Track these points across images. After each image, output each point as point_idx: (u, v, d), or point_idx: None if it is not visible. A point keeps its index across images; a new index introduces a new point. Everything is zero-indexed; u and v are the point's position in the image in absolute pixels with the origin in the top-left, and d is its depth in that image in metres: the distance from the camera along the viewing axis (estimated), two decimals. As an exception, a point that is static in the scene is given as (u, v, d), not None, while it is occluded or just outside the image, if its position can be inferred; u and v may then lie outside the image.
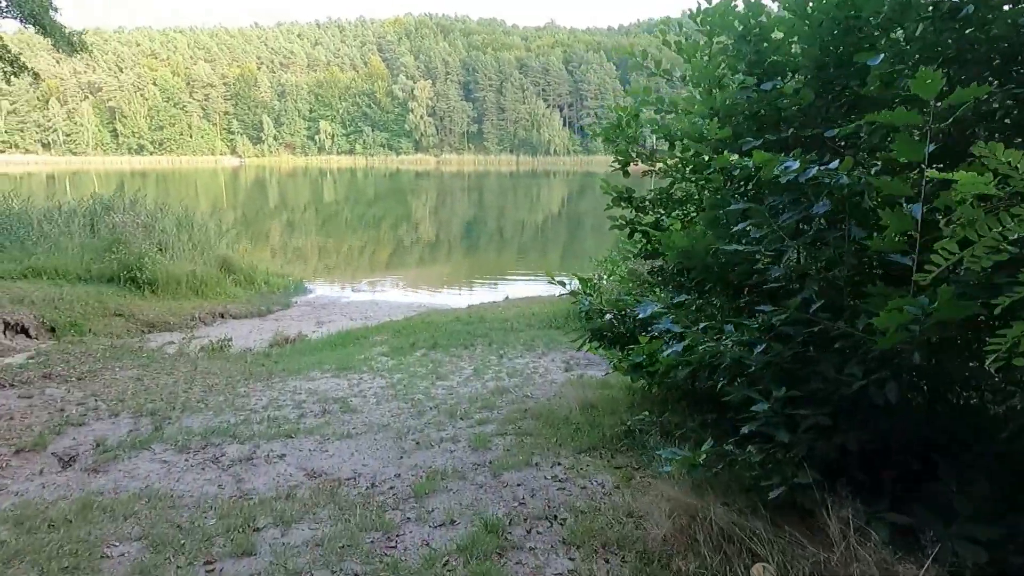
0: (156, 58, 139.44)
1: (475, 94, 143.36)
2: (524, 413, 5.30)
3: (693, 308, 4.24)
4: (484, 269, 22.57)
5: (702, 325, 3.11)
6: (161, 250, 16.14)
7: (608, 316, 5.44)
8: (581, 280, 5.39)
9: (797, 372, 2.98)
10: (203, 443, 4.85)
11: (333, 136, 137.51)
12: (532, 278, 20.43)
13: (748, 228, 3.34)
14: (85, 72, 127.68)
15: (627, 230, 5.67)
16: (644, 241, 5.61)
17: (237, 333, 12.80)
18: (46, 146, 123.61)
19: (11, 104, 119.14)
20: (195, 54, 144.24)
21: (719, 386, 3.20)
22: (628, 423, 4.49)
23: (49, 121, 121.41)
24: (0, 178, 60.88)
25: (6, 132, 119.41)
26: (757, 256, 3.48)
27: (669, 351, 3.05)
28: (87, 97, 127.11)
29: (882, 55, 3.06)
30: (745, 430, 2.93)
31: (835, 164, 2.88)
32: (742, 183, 4.02)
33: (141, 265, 14.50)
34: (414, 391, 6.63)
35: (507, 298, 15.99)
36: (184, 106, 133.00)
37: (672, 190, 5.31)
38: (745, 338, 3.08)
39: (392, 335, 10.51)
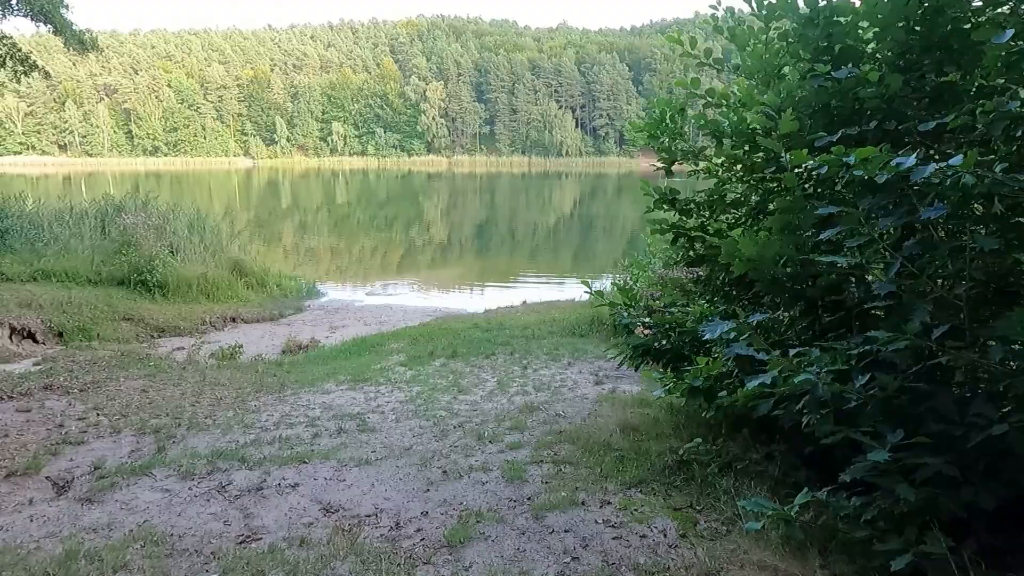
0: (171, 60, 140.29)
1: (487, 95, 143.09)
2: (559, 436, 4.83)
3: (754, 325, 3.76)
4: (498, 271, 22.13)
5: (793, 352, 2.62)
6: (173, 252, 15.83)
7: (651, 330, 4.97)
8: (620, 290, 4.91)
9: (907, 410, 2.50)
10: (209, 468, 4.41)
11: (345, 138, 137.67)
12: (547, 281, 19.97)
13: (839, 236, 2.85)
14: (101, 74, 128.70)
15: (669, 235, 5.20)
16: (687, 247, 5.13)
17: (248, 338, 12.43)
18: (63, 148, 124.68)
19: (28, 106, 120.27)
20: (209, 56, 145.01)
21: (805, 422, 2.72)
22: (680, 452, 4.00)
23: (65, 123, 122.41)
24: (17, 179, 61.24)
25: (23, 134, 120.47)
26: (838, 269, 3.01)
27: (755, 382, 2.57)
28: (103, 99, 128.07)
29: (1010, 31, 2.56)
30: (845, 478, 2.45)
31: (957, 160, 2.39)
32: (819, 184, 3.54)
33: (151, 267, 14.20)
34: (435, 407, 6.18)
35: (525, 302, 15.53)
36: (198, 108, 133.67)
37: (723, 191, 4.82)
38: (839, 367, 2.60)
39: (409, 343, 10.07)
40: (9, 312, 11.25)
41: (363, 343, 10.16)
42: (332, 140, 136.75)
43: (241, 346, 10.44)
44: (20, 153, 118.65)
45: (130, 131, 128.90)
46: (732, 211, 5.11)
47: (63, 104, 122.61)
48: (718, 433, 4.29)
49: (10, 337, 10.92)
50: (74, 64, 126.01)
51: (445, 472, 4.15)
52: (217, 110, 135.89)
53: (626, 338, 4.82)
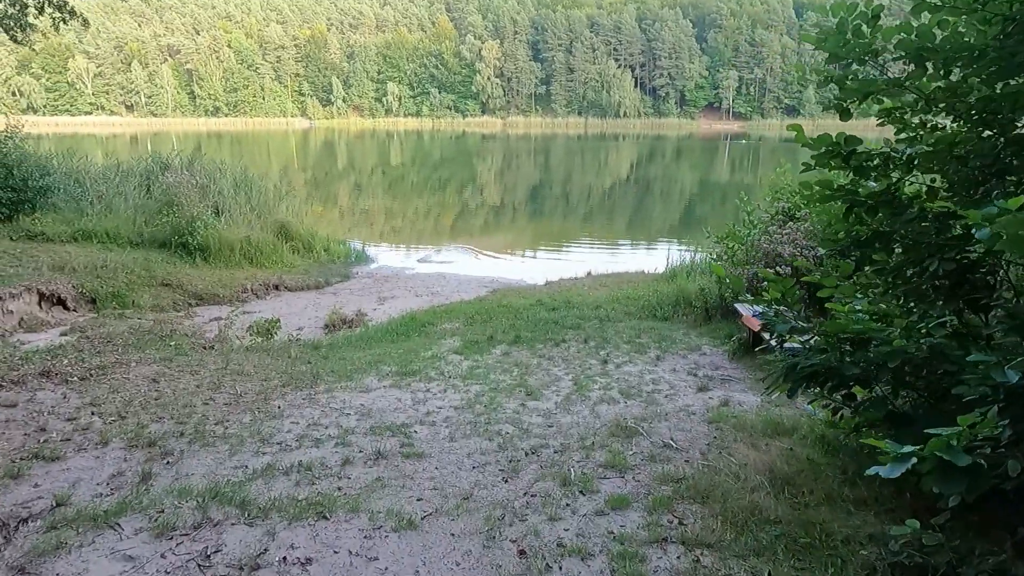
0: (230, 20, 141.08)
1: (543, 54, 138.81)
2: (677, 487, 3.43)
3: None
4: (552, 235, 20.63)
5: None
6: (218, 213, 14.97)
7: (806, 336, 3.47)
8: (773, 282, 3.39)
9: None
10: (196, 518, 3.21)
11: (400, 98, 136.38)
12: (604, 247, 18.44)
13: None
14: (164, 35, 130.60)
15: (837, 205, 3.67)
16: (862, 221, 3.60)
17: (290, 309, 11.44)
18: (129, 108, 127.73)
19: (97, 67, 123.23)
20: (267, 15, 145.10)
21: None
22: (893, 546, 2.55)
23: (132, 83, 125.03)
24: (88, 139, 62.83)
25: (93, 94, 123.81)
26: None
27: None
28: (166, 60, 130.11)
29: None
30: None
31: None
32: None
33: (192, 229, 13.33)
34: (499, 417, 4.86)
35: (590, 274, 14.07)
36: (257, 68, 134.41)
37: (950, 139, 3.22)
38: None
39: (465, 323, 8.78)
40: (41, 275, 10.50)
41: (412, 321, 8.92)
42: (387, 101, 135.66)
43: (278, 320, 9.36)
44: (91, 113, 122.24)
45: (192, 92, 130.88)
46: (935, 169, 3.54)
47: (129, 65, 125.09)
48: (931, 504, 2.82)
49: (39, 304, 10.15)
50: (139, 25, 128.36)
51: (523, 553, 2.81)
52: (275, 70, 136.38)
53: (783, 355, 3.34)
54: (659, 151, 69.24)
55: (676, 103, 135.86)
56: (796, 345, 3.49)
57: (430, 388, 5.73)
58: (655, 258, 15.67)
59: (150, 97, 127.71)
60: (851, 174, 3.62)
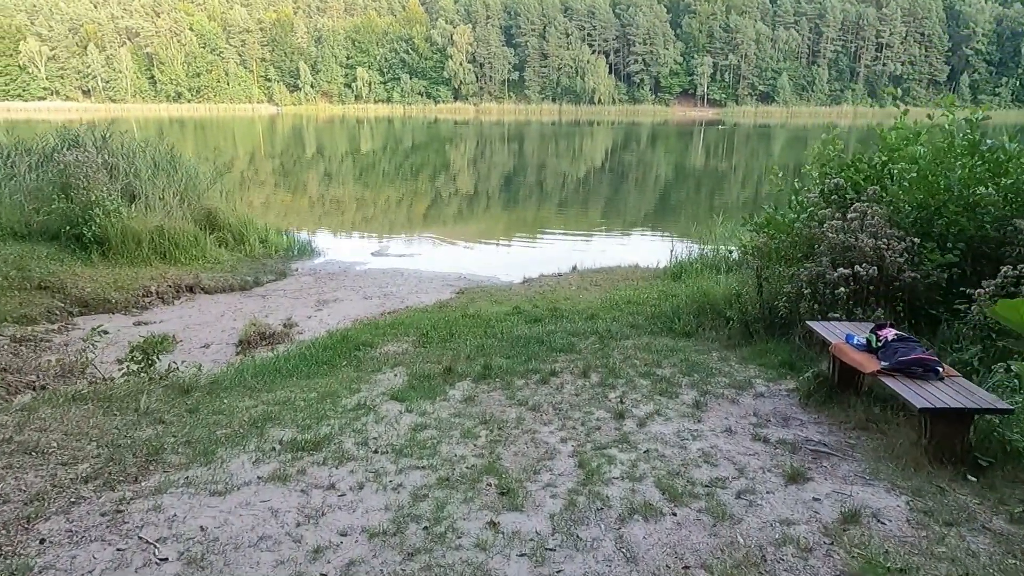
0: (192, 2, 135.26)
1: (517, 39, 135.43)
2: None
3: None
4: (531, 225, 18.23)
5: None
6: (134, 198, 12.31)
7: None
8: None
9: None
10: None
11: (370, 84, 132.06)
12: (586, 236, 16.16)
13: None
14: (123, 17, 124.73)
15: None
16: None
17: (202, 318, 9.00)
18: (86, 93, 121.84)
19: (51, 50, 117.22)
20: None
21: None
22: None
23: (88, 67, 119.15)
24: (42, 125, 58.45)
25: (47, 79, 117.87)
26: None
27: None
28: (125, 43, 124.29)
29: None
30: None
31: None
32: None
33: (89, 217, 10.74)
34: (449, 563, 2.56)
35: (575, 269, 11.75)
36: (220, 52, 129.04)
37: None
38: None
39: (416, 342, 6.41)
40: None
41: (344, 342, 6.48)
42: (356, 86, 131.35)
43: (168, 339, 6.87)
44: (44, 99, 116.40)
45: (152, 76, 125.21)
46: None
47: (85, 48, 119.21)
48: None
49: None
50: (95, 6, 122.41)
51: None
52: (240, 55, 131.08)
53: None
54: (634, 137, 67.01)
55: (651, 89, 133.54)
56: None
57: (336, 481, 3.37)
58: (648, 249, 13.45)
59: (108, 82, 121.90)
60: None
